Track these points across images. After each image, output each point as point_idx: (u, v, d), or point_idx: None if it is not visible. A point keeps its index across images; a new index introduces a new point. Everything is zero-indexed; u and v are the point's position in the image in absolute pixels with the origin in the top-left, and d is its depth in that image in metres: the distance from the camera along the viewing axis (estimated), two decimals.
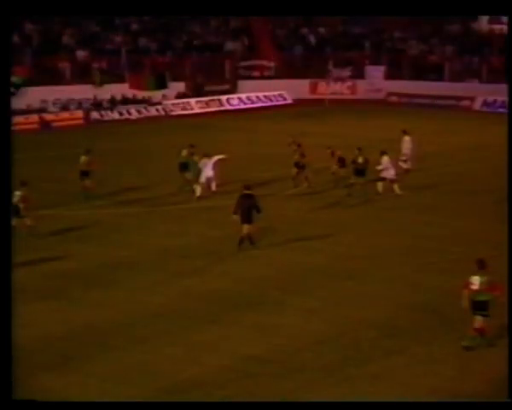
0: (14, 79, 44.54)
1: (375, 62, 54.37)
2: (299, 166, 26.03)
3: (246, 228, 19.30)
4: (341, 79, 53.18)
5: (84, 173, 25.13)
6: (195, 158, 25.86)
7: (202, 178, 25.47)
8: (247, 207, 19.20)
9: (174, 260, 18.99)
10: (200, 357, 13.57)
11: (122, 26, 53.84)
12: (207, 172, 25.54)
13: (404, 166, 27.41)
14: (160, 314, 15.46)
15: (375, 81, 53.11)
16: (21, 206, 20.32)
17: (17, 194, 20.38)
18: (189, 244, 20.26)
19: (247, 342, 14.15)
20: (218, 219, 22.46)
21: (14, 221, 20.04)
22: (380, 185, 25.18)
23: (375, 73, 53.49)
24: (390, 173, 25.11)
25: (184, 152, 26.47)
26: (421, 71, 52.91)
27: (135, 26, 54.19)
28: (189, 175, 25.95)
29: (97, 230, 21.69)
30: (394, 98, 52.17)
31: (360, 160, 24.84)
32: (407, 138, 29.10)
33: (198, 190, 25.25)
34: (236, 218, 19.34)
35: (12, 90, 44.14)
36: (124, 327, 14.90)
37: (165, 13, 43.50)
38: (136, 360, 13.47)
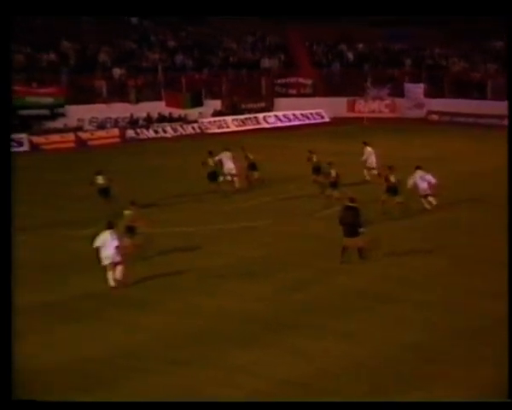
0: (49, 100, 45.57)
1: (415, 80, 54.23)
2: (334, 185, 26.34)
3: (349, 241, 19.58)
4: (380, 97, 53.20)
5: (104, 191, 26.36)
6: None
7: (225, 171, 28.79)
8: (351, 221, 19.49)
9: (210, 280, 19.14)
10: (236, 380, 13.61)
11: (158, 43, 54.67)
12: (229, 164, 28.67)
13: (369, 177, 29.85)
14: (196, 336, 15.59)
15: (415, 99, 52.96)
16: (136, 225, 20.38)
17: (126, 213, 20.54)
18: (224, 264, 20.40)
19: (284, 366, 14.16)
20: (253, 240, 22.74)
21: (128, 241, 20.07)
22: (424, 202, 25.38)
23: (415, 90, 53.33)
24: (424, 188, 25.32)
25: (211, 161, 28.27)
26: (463, 88, 52.64)
27: (171, 43, 54.95)
28: (216, 183, 28.24)
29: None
30: (435, 117, 51.92)
31: (392, 178, 25.02)
32: (369, 149, 30.82)
33: (221, 179, 28.53)
34: (342, 229, 19.75)
35: (48, 112, 45.26)
36: (159, 350, 15.02)
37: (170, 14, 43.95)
38: (171, 383, 13.54)
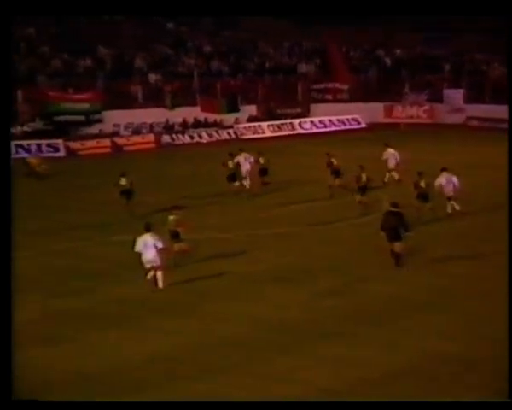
0: (85, 106, 46.22)
1: (454, 85, 53.80)
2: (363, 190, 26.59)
3: (397, 246, 19.82)
4: (418, 103, 52.88)
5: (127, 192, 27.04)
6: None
7: (243, 172, 29.96)
8: (394, 226, 19.73)
9: (245, 286, 19.29)
10: (271, 389, 13.65)
11: (194, 48, 55.11)
12: (245, 165, 30.05)
13: (397, 177, 30.80)
14: (231, 344, 15.70)
15: (454, 105, 52.52)
16: (180, 230, 20.54)
17: (171, 218, 20.66)
18: (259, 271, 20.53)
19: (321, 373, 14.20)
20: (286, 247, 22.91)
21: (176, 247, 20.51)
22: (448, 206, 25.61)
23: (455, 96, 52.87)
24: (447, 190, 25.56)
25: (231, 164, 29.84)
26: (505, 94, 51.92)
27: (207, 49, 55.35)
28: (235, 185, 29.73)
29: None
30: (475, 123, 51.35)
31: (422, 184, 25.16)
32: (390, 151, 31.55)
33: (247, 184, 30.04)
34: (384, 235, 19.98)
35: (84, 118, 45.89)
36: (194, 356, 15.16)
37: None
38: (205, 390, 13.64)
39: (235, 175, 29.95)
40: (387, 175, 31.38)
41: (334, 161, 29.85)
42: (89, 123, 46.51)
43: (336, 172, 29.45)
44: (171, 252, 20.34)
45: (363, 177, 26.44)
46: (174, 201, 27.06)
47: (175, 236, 20.49)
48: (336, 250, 22.42)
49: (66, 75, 48.30)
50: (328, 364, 14.62)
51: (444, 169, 25.97)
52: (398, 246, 19.95)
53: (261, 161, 31.06)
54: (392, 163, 31.44)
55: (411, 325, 16.50)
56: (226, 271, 20.60)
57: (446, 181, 25.62)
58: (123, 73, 49.87)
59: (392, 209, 20.16)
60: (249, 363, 14.73)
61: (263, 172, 30.95)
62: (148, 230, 18.87)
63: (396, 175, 31.20)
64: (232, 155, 30.36)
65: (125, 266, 20.84)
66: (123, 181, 27.32)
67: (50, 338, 16.18)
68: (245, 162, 30.39)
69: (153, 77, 50.71)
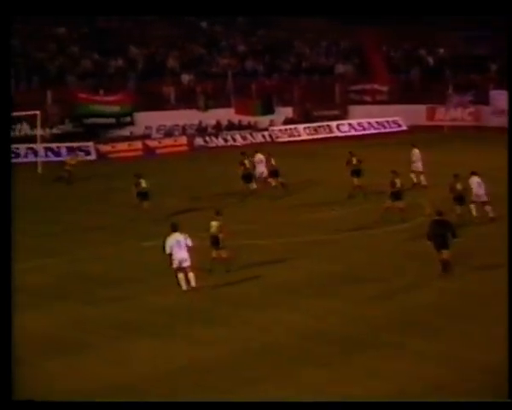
0: (116, 108, 46.18)
1: (501, 86, 52.74)
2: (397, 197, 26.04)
3: (445, 254, 19.77)
4: (462, 105, 51.99)
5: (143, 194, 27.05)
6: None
7: (257, 174, 30.31)
8: (441, 233, 19.73)
9: (280, 295, 18.96)
10: (306, 401, 13.19)
11: (228, 47, 54.88)
12: (260, 167, 30.38)
13: (415, 179, 30.60)
14: (266, 353, 15.44)
15: (502, 107, 51.47)
16: (221, 236, 20.32)
17: (214, 224, 20.41)
18: (295, 279, 20.22)
19: (359, 386, 13.80)
20: (325, 254, 22.54)
21: (214, 253, 20.37)
22: (472, 208, 25.23)
23: (502, 97, 51.83)
24: (478, 195, 25.16)
25: (248, 163, 30.13)
26: None
27: (241, 48, 55.10)
28: (250, 186, 29.91)
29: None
30: None
31: (459, 186, 24.89)
32: (417, 151, 31.11)
33: (254, 185, 30.05)
34: (431, 244, 19.88)
35: (114, 120, 45.89)
36: (228, 366, 14.90)
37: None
38: (236, 400, 13.14)
39: (250, 175, 30.06)
40: (421, 177, 30.94)
41: (354, 160, 29.54)
42: (119, 125, 46.49)
43: (356, 172, 29.13)
44: (209, 258, 20.25)
45: (398, 182, 26.01)
46: (195, 204, 26.94)
47: (215, 242, 20.35)
48: (375, 258, 22.01)
49: (97, 76, 48.42)
50: (367, 375, 14.27)
51: (473, 173, 25.64)
52: (446, 254, 19.90)
53: (273, 162, 30.92)
54: (419, 166, 30.96)
55: (451, 336, 16.08)
56: (260, 277, 20.34)
57: (478, 185, 25.34)
58: (155, 73, 49.85)
59: (438, 218, 20.13)
60: (283, 375, 14.43)
61: (274, 173, 30.72)
62: (174, 230, 18.88)
63: (414, 178, 30.85)
64: (244, 154, 30.68)
65: (154, 272, 20.67)
66: (143, 183, 27.41)
67: (74, 346, 16.10)
68: (260, 164, 30.63)
69: (186, 77, 50.60)
